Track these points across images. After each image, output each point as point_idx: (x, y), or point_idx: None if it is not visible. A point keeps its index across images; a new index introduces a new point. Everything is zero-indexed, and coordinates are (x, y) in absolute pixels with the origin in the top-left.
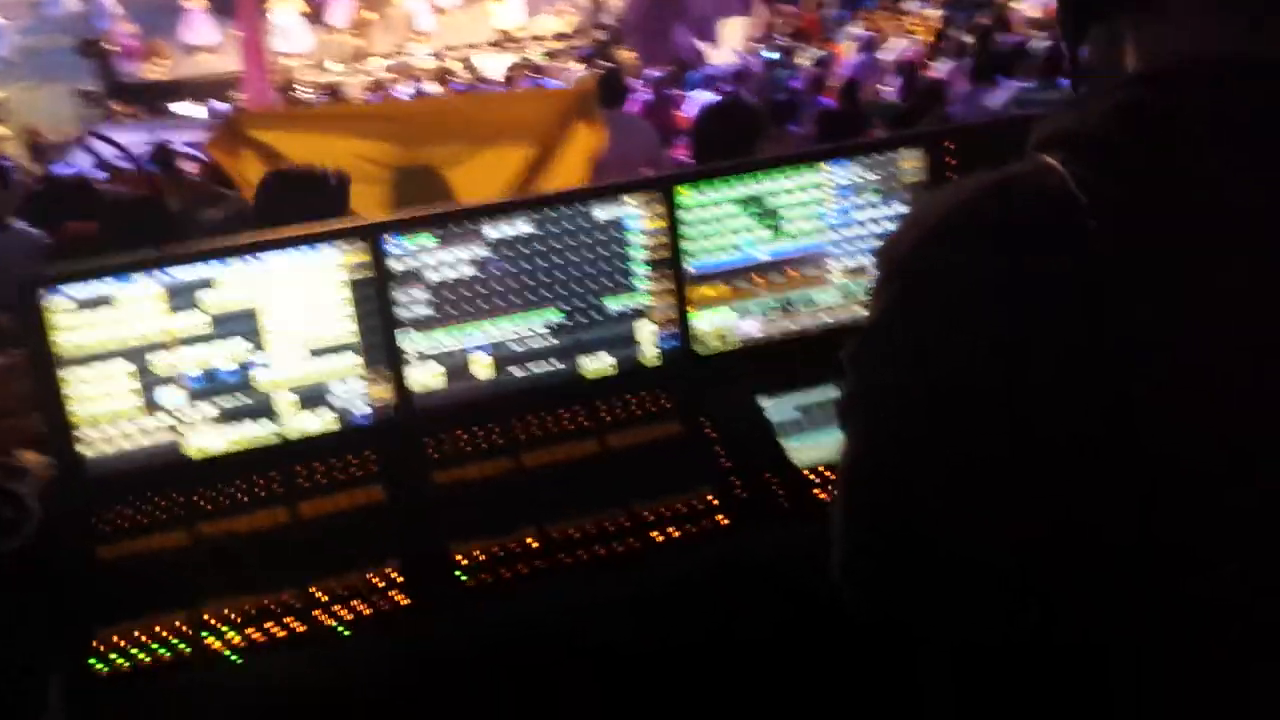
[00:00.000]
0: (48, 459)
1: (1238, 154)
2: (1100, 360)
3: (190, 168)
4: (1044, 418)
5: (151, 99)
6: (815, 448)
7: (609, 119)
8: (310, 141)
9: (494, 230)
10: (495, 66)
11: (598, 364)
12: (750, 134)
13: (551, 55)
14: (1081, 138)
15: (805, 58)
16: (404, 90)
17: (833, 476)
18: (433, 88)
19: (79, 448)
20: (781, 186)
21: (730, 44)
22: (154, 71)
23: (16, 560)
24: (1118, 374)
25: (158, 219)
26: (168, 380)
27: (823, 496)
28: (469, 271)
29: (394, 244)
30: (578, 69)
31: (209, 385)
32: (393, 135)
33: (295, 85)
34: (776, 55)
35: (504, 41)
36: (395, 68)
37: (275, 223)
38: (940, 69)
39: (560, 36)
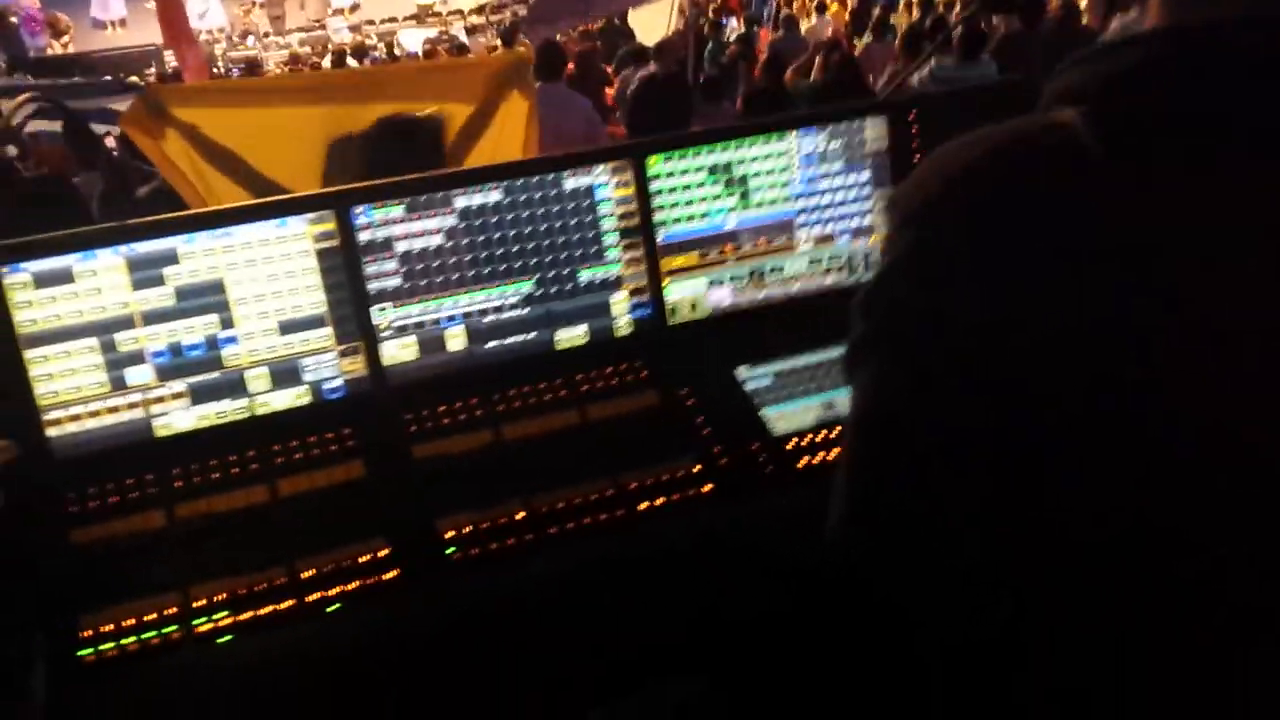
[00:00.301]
0: (2, 442)
1: (1267, 115)
2: (1098, 333)
3: (109, 142)
4: (1031, 397)
5: (58, 73)
6: (793, 416)
7: (547, 92)
8: (235, 117)
9: (464, 200)
10: (413, 41)
11: (571, 335)
12: (687, 107)
13: (471, 30)
14: (1099, 92)
15: (729, 33)
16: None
17: (809, 444)
18: (351, 63)
19: (45, 430)
20: (749, 155)
21: (658, 18)
22: (60, 45)
23: None
24: (1119, 346)
25: (67, 200)
26: (134, 358)
27: (804, 465)
28: (439, 242)
29: (362, 215)
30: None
31: (177, 362)
32: (321, 108)
33: (213, 62)
34: (704, 30)
35: (424, 15)
36: (310, 40)
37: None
38: (860, 47)
39: (480, 10)
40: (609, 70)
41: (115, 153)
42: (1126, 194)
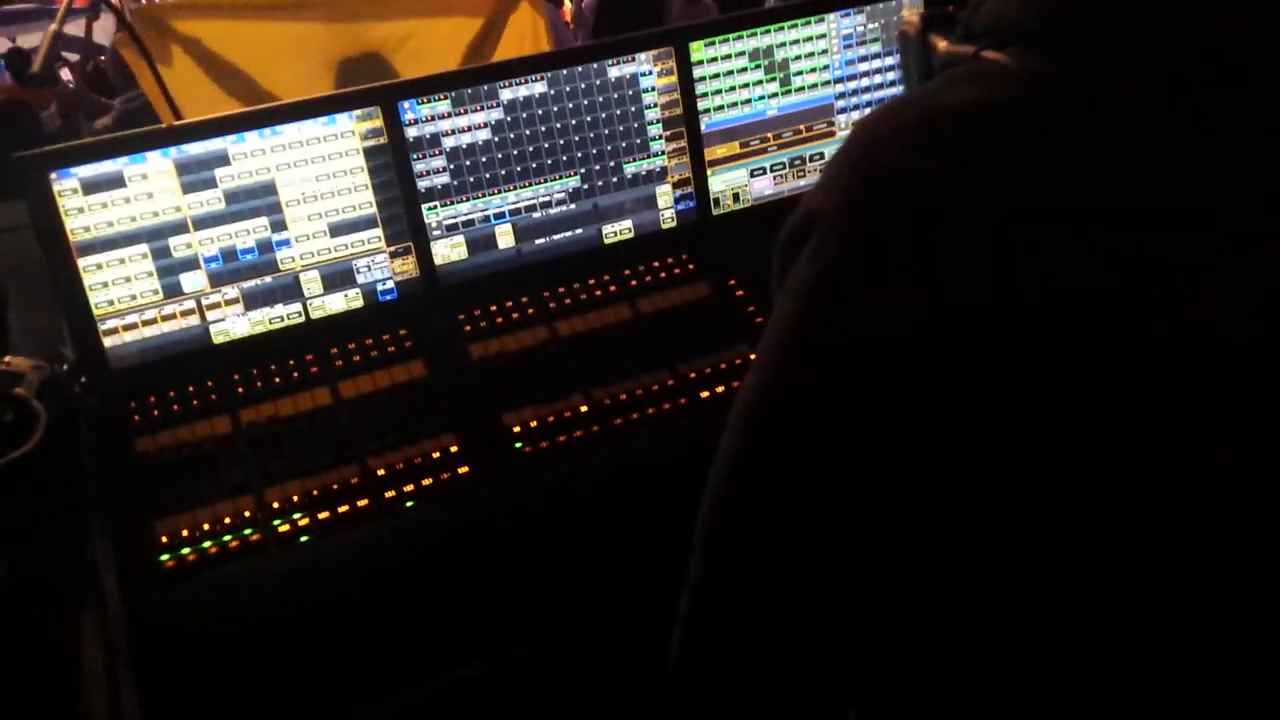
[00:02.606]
0: (36, 361)
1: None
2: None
3: (64, 74)
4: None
5: None
6: None
7: None
8: (239, 30)
9: (509, 93)
10: None
11: (618, 229)
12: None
13: None
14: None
15: None
16: None
17: None
18: None
19: (102, 339)
20: (789, 38)
21: None
22: None
23: (33, 464)
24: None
25: (30, 124)
26: (188, 263)
27: None
28: (485, 137)
29: (409, 110)
30: None
31: (231, 266)
32: (330, 19)
33: None
34: None
35: None
36: None
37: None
38: None
39: None
40: None
41: (70, 84)
42: (1101, 139)
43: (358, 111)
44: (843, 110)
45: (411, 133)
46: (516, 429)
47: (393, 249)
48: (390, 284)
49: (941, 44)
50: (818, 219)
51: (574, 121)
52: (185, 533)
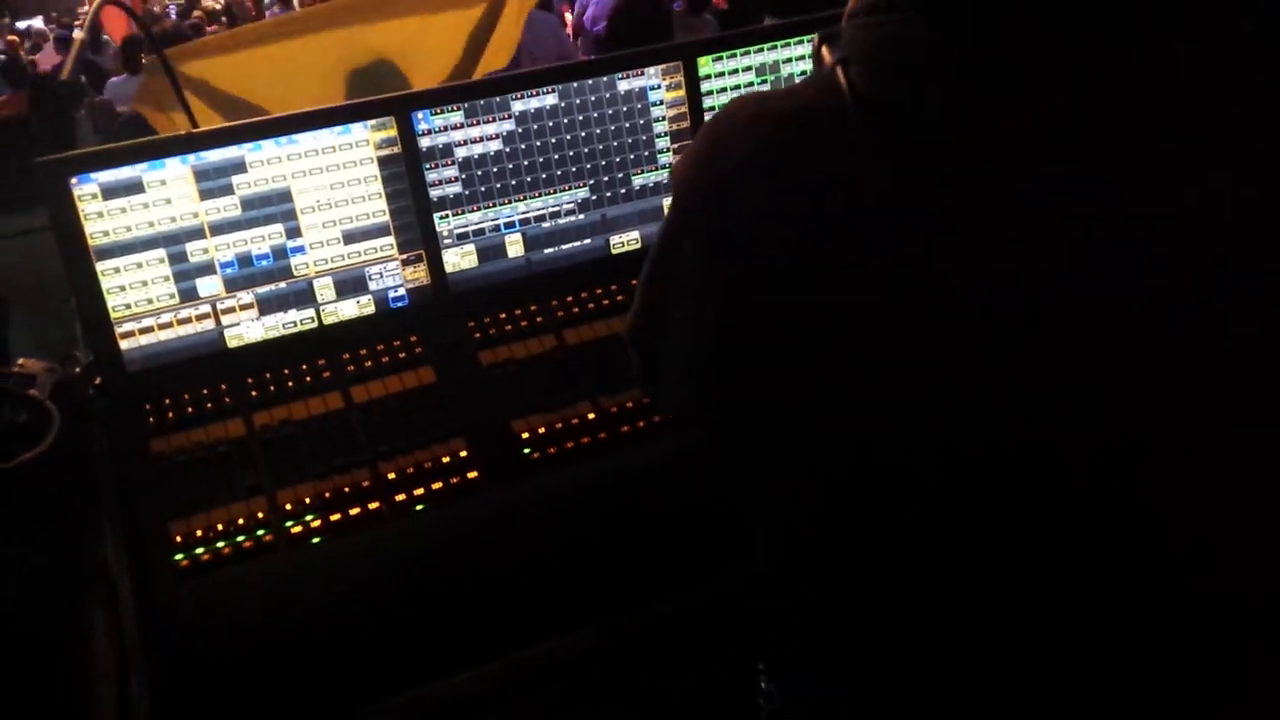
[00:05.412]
0: (49, 363)
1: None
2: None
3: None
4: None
5: None
6: None
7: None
8: (244, 61)
9: (520, 104)
10: None
11: (625, 239)
12: (664, 24)
13: None
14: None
15: None
16: None
17: None
18: None
19: (118, 342)
20: (795, 54)
21: None
22: None
23: (47, 464)
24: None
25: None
26: (204, 268)
27: None
28: (497, 148)
29: (423, 120)
30: None
31: (246, 272)
32: (331, 33)
33: None
34: None
35: None
36: None
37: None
38: None
39: None
40: None
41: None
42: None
43: (372, 121)
44: None
45: (424, 143)
46: (525, 435)
47: (404, 256)
48: (402, 291)
49: (827, 58)
50: (689, 218)
51: (584, 133)
52: (199, 533)
